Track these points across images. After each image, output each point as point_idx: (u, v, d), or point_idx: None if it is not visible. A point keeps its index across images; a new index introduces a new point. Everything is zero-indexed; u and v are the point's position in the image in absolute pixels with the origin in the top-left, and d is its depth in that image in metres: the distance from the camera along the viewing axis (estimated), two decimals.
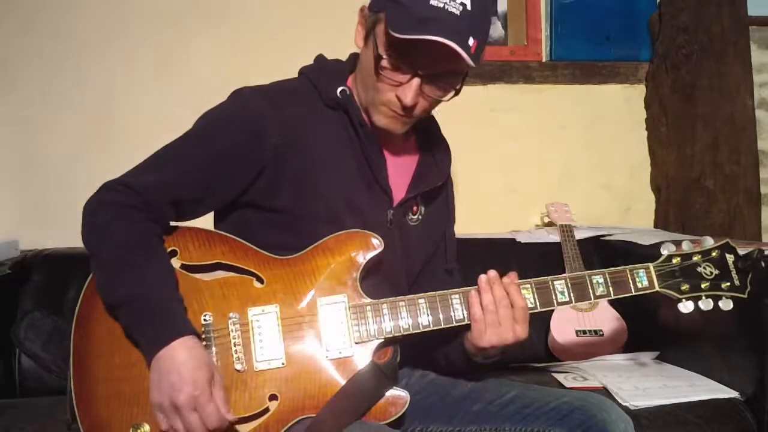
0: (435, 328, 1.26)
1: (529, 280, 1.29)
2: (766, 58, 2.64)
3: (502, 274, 1.27)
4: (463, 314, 1.26)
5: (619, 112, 2.57)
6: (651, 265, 1.34)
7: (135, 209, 1.19)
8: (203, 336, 1.19)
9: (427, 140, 1.43)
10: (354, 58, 1.35)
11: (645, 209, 2.59)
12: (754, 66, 2.48)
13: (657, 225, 2.55)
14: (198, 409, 1.10)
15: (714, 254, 1.37)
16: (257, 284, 1.25)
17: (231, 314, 1.22)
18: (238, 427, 1.16)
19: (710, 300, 1.35)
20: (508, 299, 1.24)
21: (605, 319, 2.07)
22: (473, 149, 2.37)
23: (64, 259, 2.02)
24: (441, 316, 1.26)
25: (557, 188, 2.50)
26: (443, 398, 1.36)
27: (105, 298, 1.18)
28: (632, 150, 2.58)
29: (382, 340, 1.25)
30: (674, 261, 1.35)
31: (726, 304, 1.35)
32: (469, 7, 1.16)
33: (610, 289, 1.32)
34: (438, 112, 1.37)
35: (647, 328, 1.98)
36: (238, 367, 1.19)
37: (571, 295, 1.30)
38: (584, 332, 2.05)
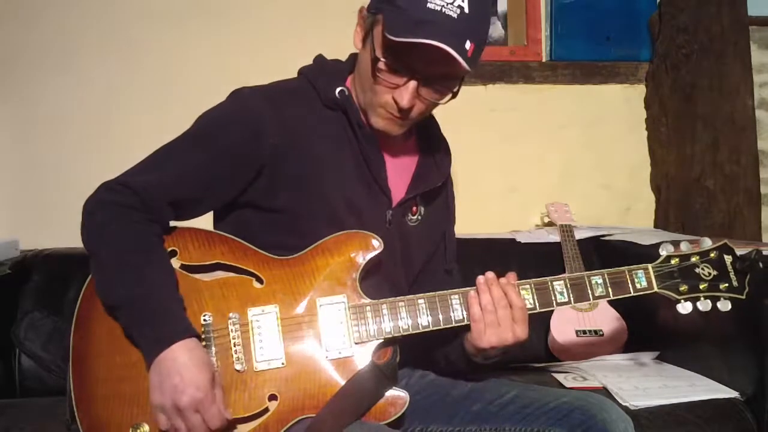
0: (435, 328, 1.26)
1: (528, 280, 1.29)
2: (766, 58, 2.64)
3: (502, 274, 1.27)
4: (462, 315, 1.26)
5: (619, 112, 2.57)
6: (650, 266, 1.34)
7: (134, 209, 1.19)
8: (203, 336, 1.19)
9: (427, 140, 1.43)
10: (353, 58, 1.34)
11: (645, 209, 2.58)
12: (754, 66, 2.48)
13: (657, 225, 2.55)
14: (201, 411, 1.10)
15: (712, 255, 1.37)
16: (257, 284, 1.25)
17: (231, 314, 1.22)
18: (238, 427, 1.16)
19: (708, 301, 1.35)
20: (506, 300, 1.24)
21: (605, 319, 2.07)
22: (473, 149, 2.37)
23: (64, 259, 2.02)
24: (441, 317, 1.26)
25: (557, 188, 2.50)
26: (443, 398, 1.36)
27: (104, 298, 1.18)
28: (632, 150, 2.58)
29: (381, 340, 1.25)
30: (673, 262, 1.35)
31: (724, 305, 1.35)
32: (467, 10, 1.15)
33: (609, 289, 1.32)
34: (438, 112, 1.37)
35: (647, 328, 1.97)
36: (237, 367, 1.19)
37: (570, 295, 1.30)
38: (584, 332, 2.05)
